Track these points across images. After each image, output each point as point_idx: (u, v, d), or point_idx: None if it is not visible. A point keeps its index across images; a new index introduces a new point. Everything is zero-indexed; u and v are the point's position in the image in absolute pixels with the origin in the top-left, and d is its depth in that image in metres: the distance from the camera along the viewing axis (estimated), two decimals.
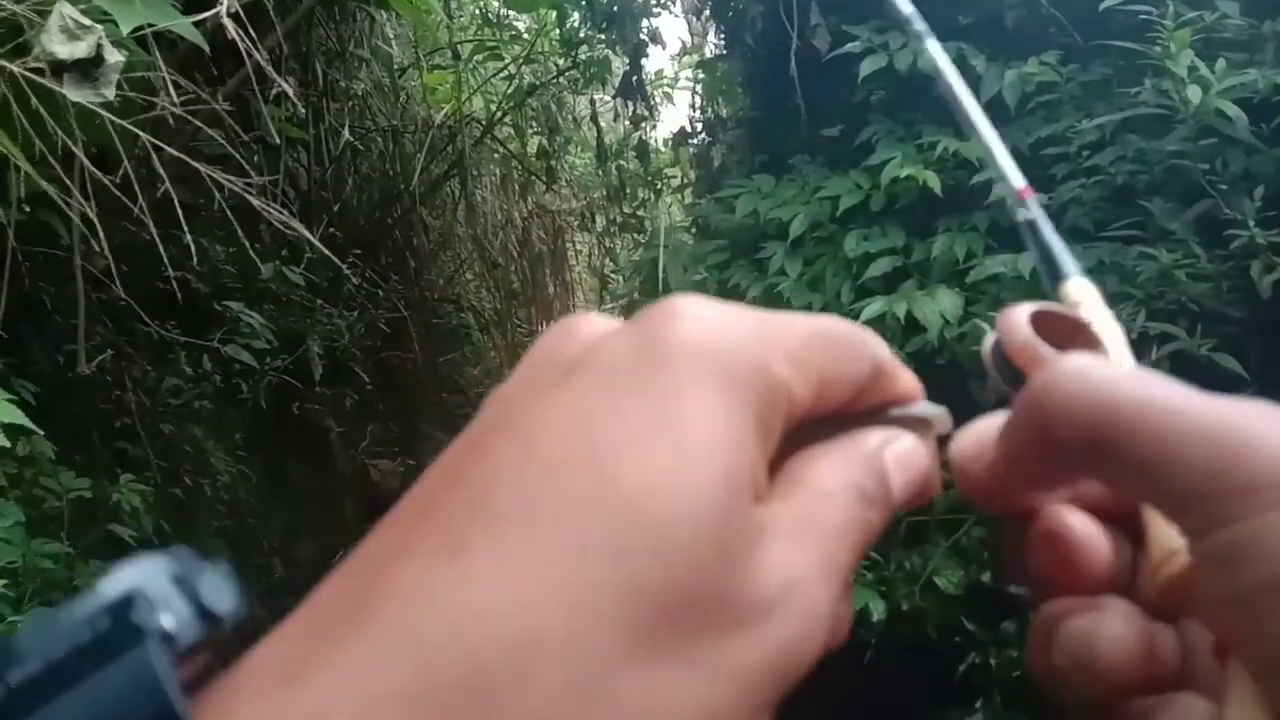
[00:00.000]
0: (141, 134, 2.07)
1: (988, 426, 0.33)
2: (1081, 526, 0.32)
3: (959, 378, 2.77)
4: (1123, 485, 0.30)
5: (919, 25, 0.78)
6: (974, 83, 3.01)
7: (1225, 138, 2.32)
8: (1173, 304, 2.29)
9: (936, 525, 2.87)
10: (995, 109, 2.98)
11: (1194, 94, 2.26)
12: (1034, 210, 0.52)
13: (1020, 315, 0.36)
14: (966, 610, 2.85)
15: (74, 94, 1.64)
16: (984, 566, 2.79)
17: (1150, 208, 2.44)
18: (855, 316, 2.97)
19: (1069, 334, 0.36)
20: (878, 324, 2.93)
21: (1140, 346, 2.30)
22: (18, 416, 1.59)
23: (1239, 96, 2.28)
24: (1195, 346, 2.18)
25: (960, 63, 3.04)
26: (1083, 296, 0.41)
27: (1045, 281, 0.46)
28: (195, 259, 4.48)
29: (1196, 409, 0.27)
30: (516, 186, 8.46)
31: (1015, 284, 2.67)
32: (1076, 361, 0.29)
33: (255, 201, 2.39)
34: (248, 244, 4.39)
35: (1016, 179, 0.57)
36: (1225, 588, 0.26)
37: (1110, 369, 0.30)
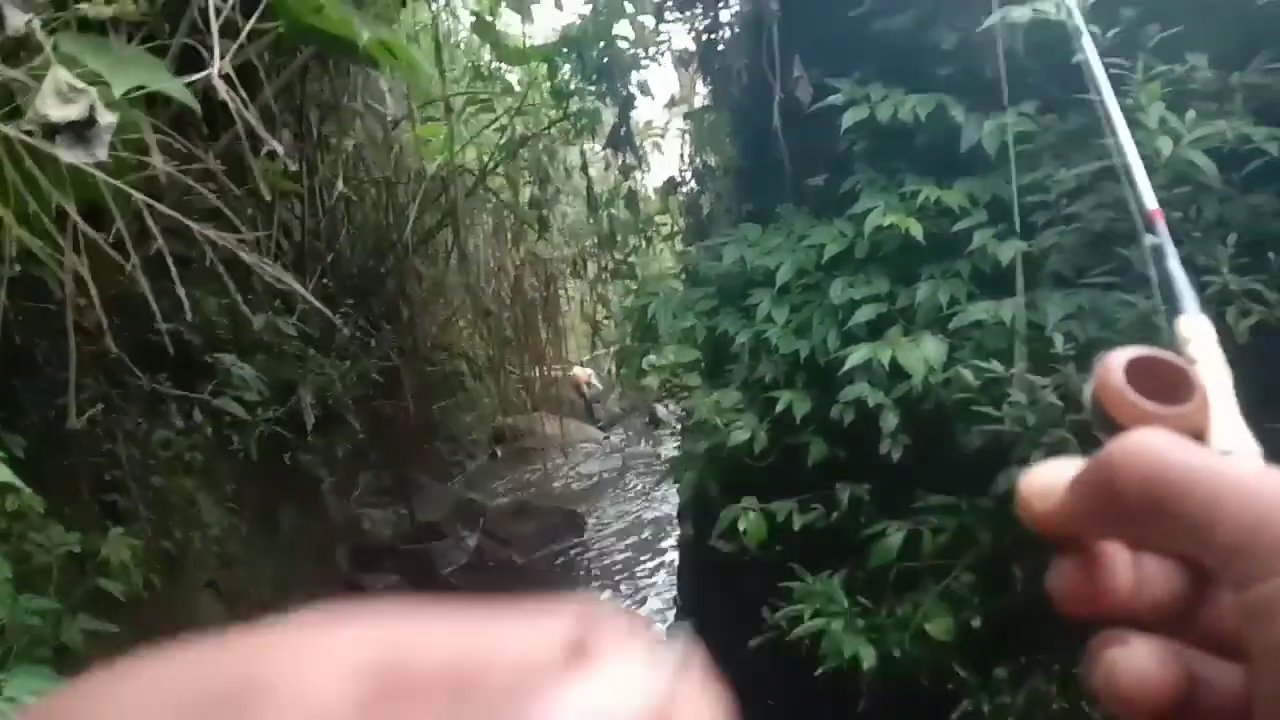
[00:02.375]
0: (134, 193, 2.10)
1: (1057, 470, 0.36)
2: (1111, 557, 0.37)
3: (944, 422, 2.79)
4: (1176, 541, 0.34)
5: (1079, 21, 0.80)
6: (953, 133, 3.07)
7: (1198, 186, 2.37)
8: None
9: (927, 571, 2.87)
10: (975, 158, 3.03)
11: (1165, 145, 2.31)
12: (1163, 235, 0.54)
13: (1116, 364, 0.38)
14: (958, 657, 2.84)
15: (67, 155, 1.67)
16: (975, 612, 2.79)
17: (1128, 255, 2.48)
18: (841, 363, 3.00)
19: (1169, 379, 0.38)
20: (863, 370, 2.96)
21: None
22: (5, 475, 1.59)
23: (1209, 146, 2.33)
24: None
25: (940, 113, 3.10)
26: (1193, 334, 0.43)
27: (1162, 312, 0.48)
28: (188, 312, 4.51)
29: (1240, 474, 0.31)
30: (509, 235, 8.55)
31: (997, 330, 2.70)
32: (1146, 434, 0.33)
33: (246, 257, 2.42)
34: (240, 296, 4.42)
35: (1149, 199, 0.59)
36: (1265, 637, 0.30)
37: (1174, 441, 0.33)
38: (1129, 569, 0.37)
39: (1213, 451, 0.33)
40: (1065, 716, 2.65)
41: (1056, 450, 2.36)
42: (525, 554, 8.15)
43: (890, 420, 2.89)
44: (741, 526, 3.25)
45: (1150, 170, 2.39)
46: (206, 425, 4.91)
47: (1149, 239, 0.54)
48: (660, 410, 12.02)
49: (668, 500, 8.87)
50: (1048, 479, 0.36)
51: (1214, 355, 0.42)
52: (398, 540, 8.23)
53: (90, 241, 2.57)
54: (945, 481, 2.93)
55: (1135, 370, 0.38)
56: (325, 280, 7.01)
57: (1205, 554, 0.32)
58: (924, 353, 2.75)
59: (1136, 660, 0.33)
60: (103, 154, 1.73)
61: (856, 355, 2.91)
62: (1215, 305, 2.25)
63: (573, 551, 8.35)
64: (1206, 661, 0.35)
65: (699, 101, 5.35)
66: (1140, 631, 0.36)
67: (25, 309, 3.64)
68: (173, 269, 2.39)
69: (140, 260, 3.12)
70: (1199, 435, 0.37)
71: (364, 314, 7.44)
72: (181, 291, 2.88)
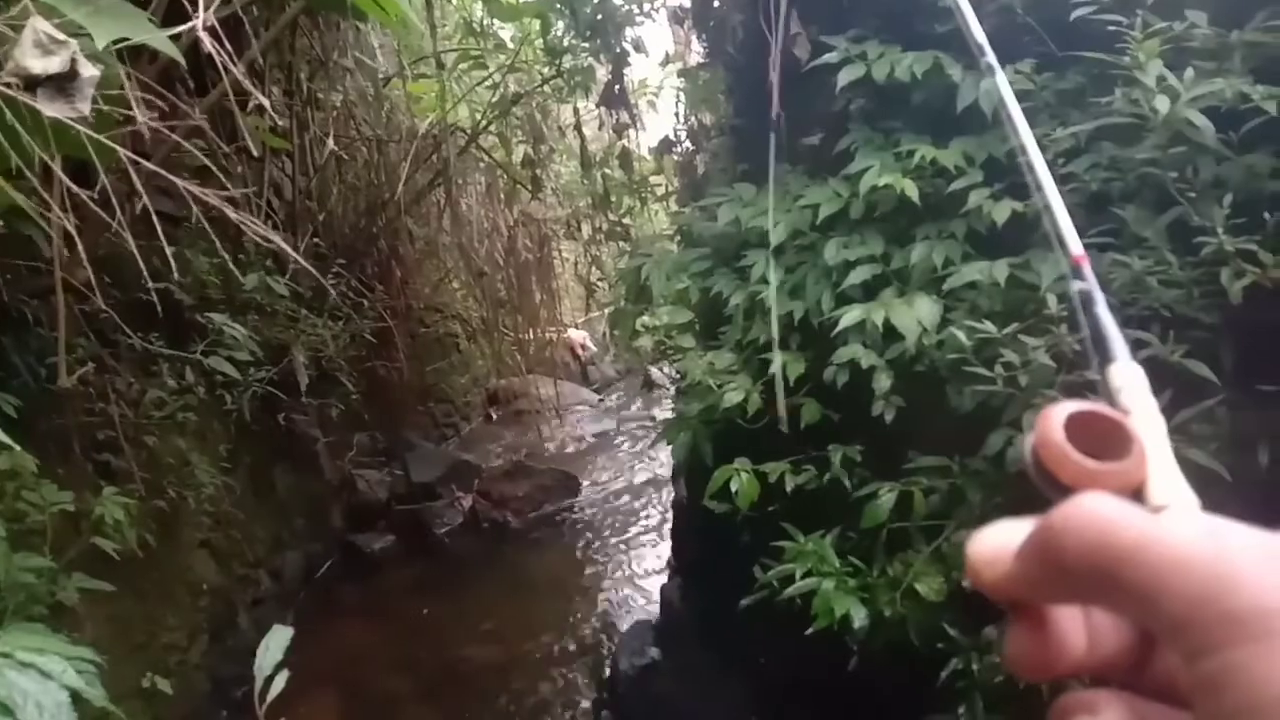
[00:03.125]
0: (119, 148, 2.07)
1: (1004, 536, 0.37)
2: (1062, 621, 0.38)
3: (937, 384, 2.79)
4: (1125, 612, 0.35)
5: (990, 58, 0.78)
6: (950, 91, 3.03)
7: (1195, 145, 2.34)
8: (1145, 310, 2.31)
9: (918, 532, 2.88)
10: (972, 117, 3.00)
11: (1162, 103, 2.29)
12: (1089, 281, 0.53)
13: (1056, 420, 0.39)
14: (948, 616, 2.85)
15: (48, 109, 1.64)
16: (964, 572, 2.80)
17: (1123, 215, 2.46)
18: (834, 324, 2.98)
19: (1107, 431, 0.39)
20: (856, 331, 2.95)
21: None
22: None
23: (1208, 105, 2.30)
24: (1168, 352, 2.20)
25: (937, 72, 3.06)
26: (1125, 382, 0.44)
27: (1093, 359, 0.47)
28: (177, 271, 4.48)
29: (1190, 544, 0.32)
30: (502, 195, 8.48)
31: (992, 291, 2.69)
32: (1088, 502, 0.34)
33: (234, 215, 2.39)
34: (232, 255, 4.39)
35: (1074, 244, 0.57)
36: (1212, 711, 0.30)
37: (1117, 508, 0.34)
38: (1080, 631, 0.38)
39: (1155, 518, 0.33)
40: None
41: None
42: (520, 515, 8.19)
43: (883, 382, 2.89)
44: (734, 487, 3.25)
45: (1148, 129, 2.37)
46: (199, 385, 4.90)
47: (1076, 285, 0.53)
48: (655, 372, 12.04)
49: (662, 462, 8.91)
50: (994, 545, 0.37)
51: (1147, 404, 0.42)
52: (392, 501, 8.27)
53: (78, 199, 2.54)
54: (937, 442, 2.93)
55: (1074, 425, 0.39)
56: (317, 239, 6.96)
57: (1152, 624, 0.33)
58: (918, 314, 2.74)
59: None
60: (85, 108, 1.70)
61: (850, 316, 2.90)
62: (1210, 265, 2.24)
63: (567, 512, 8.40)
64: (1159, 713, 0.36)
65: (694, 59, 5.29)
66: (1094, 685, 0.37)
67: (13, 267, 3.62)
68: (158, 227, 2.36)
69: (128, 218, 3.08)
70: (1138, 489, 0.38)
71: (356, 274, 7.41)
72: (170, 251, 2.85)
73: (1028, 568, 0.36)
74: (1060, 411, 0.39)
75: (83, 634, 3.47)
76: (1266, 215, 2.18)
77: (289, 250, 2.90)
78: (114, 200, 2.70)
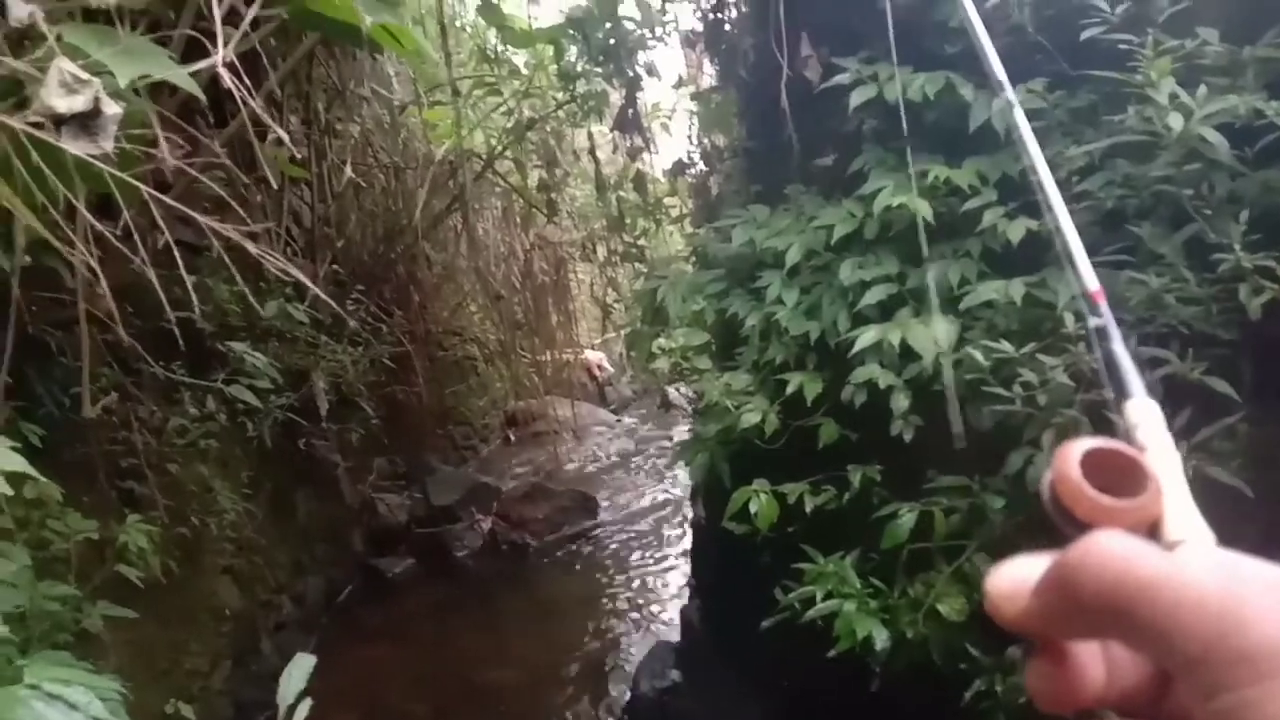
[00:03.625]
0: (141, 185, 2.11)
1: (1023, 571, 0.38)
2: (1082, 655, 0.39)
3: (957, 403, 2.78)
4: (1141, 649, 0.35)
5: (1010, 94, 0.79)
6: (962, 110, 3.04)
7: (1210, 162, 2.34)
8: (1163, 328, 2.31)
9: (939, 552, 2.87)
10: (985, 136, 3.01)
11: (1175, 121, 2.29)
12: (1105, 317, 0.53)
13: (1072, 457, 0.39)
14: (971, 636, 2.84)
15: (73, 146, 1.68)
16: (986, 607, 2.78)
17: (1139, 232, 2.46)
18: (851, 345, 2.99)
19: (1123, 468, 0.40)
20: (873, 352, 2.95)
21: None
22: (20, 464, 1.61)
23: (1221, 122, 2.30)
24: (1187, 370, 2.20)
25: (949, 91, 3.08)
26: (1141, 419, 0.44)
27: (1110, 395, 0.47)
28: (198, 300, 4.53)
29: (1202, 583, 0.33)
30: (518, 219, 8.55)
31: (1009, 310, 2.69)
32: (1103, 540, 0.35)
33: (253, 248, 2.42)
34: (252, 284, 4.44)
35: (1090, 279, 0.58)
36: None
37: (1131, 547, 0.34)
38: (1100, 664, 0.39)
39: (1169, 557, 0.34)
40: None
41: (1066, 431, 2.35)
42: (539, 536, 8.19)
43: (901, 401, 2.88)
44: (753, 509, 3.25)
45: (1161, 146, 2.37)
46: (221, 412, 4.94)
47: (1093, 321, 0.53)
48: (672, 393, 12.02)
49: (680, 482, 8.90)
50: (1013, 581, 0.38)
51: (1163, 439, 0.43)
52: (412, 524, 8.29)
53: (101, 233, 2.58)
54: (957, 462, 2.93)
55: (1090, 461, 0.39)
56: (335, 266, 7.03)
57: (1167, 662, 0.33)
58: (934, 333, 2.74)
59: None
60: (108, 145, 1.73)
61: (866, 337, 2.91)
62: (1227, 282, 2.23)
63: (586, 534, 8.39)
64: None
65: (706, 82, 5.32)
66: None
67: (38, 299, 3.67)
68: (179, 259, 2.39)
69: (150, 251, 3.13)
70: (1154, 525, 0.39)
71: (375, 300, 7.47)
72: (190, 281, 2.89)
73: (1044, 604, 0.36)
74: (1077, 448, 0.39)
75: (107, 661, 3.49)
76: None
77: (306, 280, 2.93)
78: (135, 233, 2.74)
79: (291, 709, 1.37)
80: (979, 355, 2.48)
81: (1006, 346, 2.45)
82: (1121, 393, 0.46)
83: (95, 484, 4.23)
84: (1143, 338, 2.30)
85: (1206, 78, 2.41)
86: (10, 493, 1.59)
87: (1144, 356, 2.28)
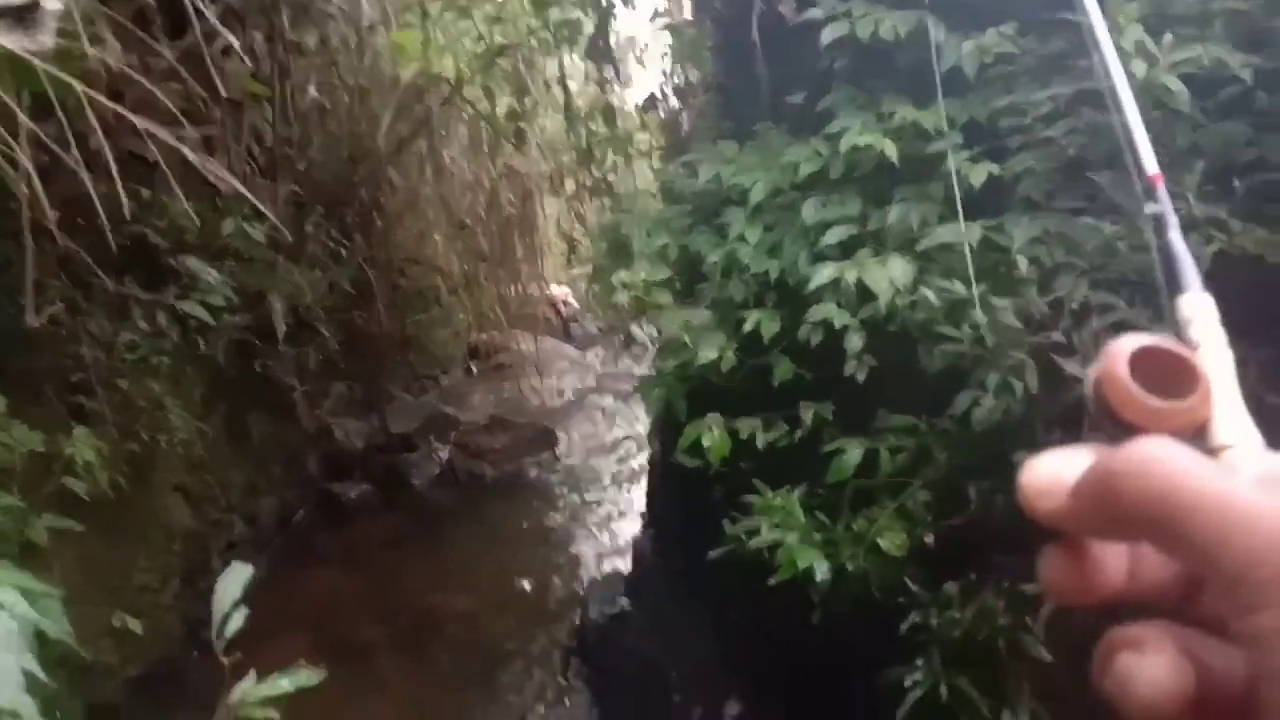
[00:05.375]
0: (76, 83, 2.04)
1: (1059, 466, 0.37)
2: (1104, 549, 0.38)
3: (907, 344, 2.81)
4: (1179, 558, 0.34)
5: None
6: (933, 53, 3.02)
7: (1172, 112, 2.35)
8: (1114, 275, 2.33)
9: (883, 488, 2.92)
10: (954, 79, 2.99)
11: (1139, 68, 2.29)
12: (1164, 203, 0.51)
13: (1121, 355, 0.37)
14: (910, 571, 2.90)
15: (6, 40, 1.61)
16: (928, 529, 2.84)
17: (1099, 180, 2.47)
18: (808, 282, 2.99)
19: (1173, 367, 0.38)
20: (830, 291, 2.96)
21: (1081, 317, 2.35)
22: None
23: (1185, 72, 2.31)
24: (1135, 317, 2.23)
25: (920, 33, 3.05)
26: (1196, 314, 0.43)
27: (1163, 289, 0.46)
28: (153, 215, 4.43)
29: (1246, 500, 0.32)
30: (485, 148, 8.39)
31: (964, 253, 2.70)
32: (1150, 448, 0.33)
33: (201, 162, 2.36)
34: (205, 202, 4.34)
35: (1149, 163, 0.55)
36: (1261, 666, 0.31)
37: (1180, 458, 0.33)
38: (1122, 560, 0.38)
39: (1219, 471, 0.33)
40: (1011, 630, 2.73)
41: (1014, 373, 2.39)
42: (497, 467, 8.22)
43: (855, 341, 2.90)
44: (705, 443, 3.28)
45: None
46: (173, 329, 4.86)
47: (1150, 207, 0.52)
48: (636, 331, 12.01)
49: (641, 419, 8.94)
50: (1049, 476, 0.37)
51: (1217, 338, 0.41)
52: (369, 451, 8.27)
53: (40, 136, 2.50)
54: (907, 402, 2.96)
55: (1139, 360, 0.37)
56: (297, 188, 6.88)
57: (1208, 575, 0.33)
58: (891, 274, 2.75)
59: (1152, 672, 0.34)
60: (48, 40, 1.66)
61: (824, 274, 2.91)
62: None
63: (544, 466, 8.43)
64: (1210, 647, 0.35)
65: (683, 16, 5.23)
66: (1137, 613, 0.37)
67: None
68: (114, 168, 2.33)
69: (99, 161, 3.04)
70: (1202, 427, 0.37)
71: (336, 224, 7.34)
72: (145, 194, 2.82)
73: (1082, 506, 0.35)
74: (1126, 345, 0.37)
75: (51, 574, 3.47)
76: (1237, 183, 2.20)
77: (256, 201, 2.87)
78: (81, 142, 2.66)
79: (226, 618, 1.36)
80: (932, 296, 2.50)
81: (959, 287, 2.47)
82: (1175, 286, 0.44)
83: (43, 397, 4.16)
84: (1094, 284, 2.33)
85: (1175, 28, 2.41)
86: None
87: (1094, 303, 2.31)
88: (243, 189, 2.65)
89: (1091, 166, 2.58)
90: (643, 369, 9.32)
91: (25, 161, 2.29)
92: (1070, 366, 2.19)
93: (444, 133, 7.87)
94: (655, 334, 5.60)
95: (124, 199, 2.95)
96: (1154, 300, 2.27)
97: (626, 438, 9.10)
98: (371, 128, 7.41)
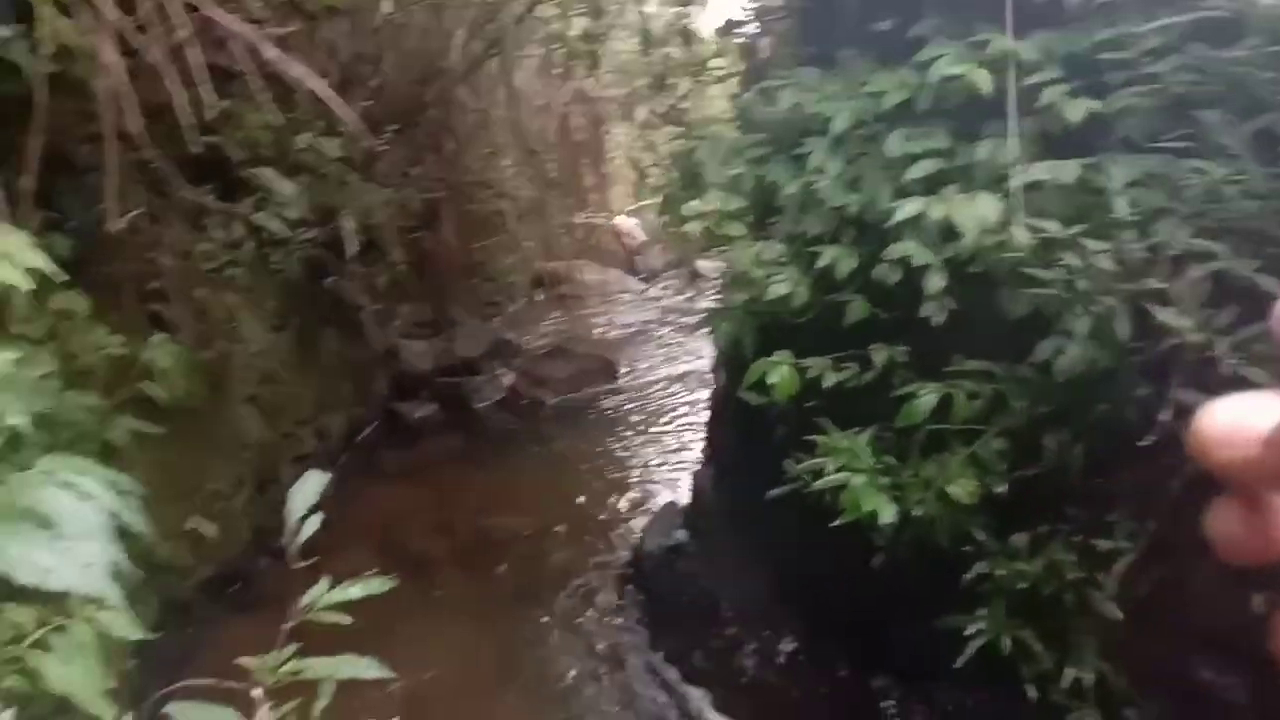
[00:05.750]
0: None
1: (1242, 413, 0.33)
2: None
3: (989, 287, 2.71)
4: None
5: None
6: None
7: None
8: (1218, 221, 2.21)
9: (955, 435, 2.85)
10: (1054, 9, 2.84)
11: None
12: None
13: None
14: (978, 520, 2.85)
15: None
16: (1000, 478, 2.78)
17: (1206, 120, 2.33)
18: (889, 217, 2.89)
19: None
20: (912, 228, 2.86)
21: (1180, 265, 2.23)
22: (42, 262, 1.60)
23: None
24: (1238, 266, 2.11)
25: None
26: None
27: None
28: (229, 127, 4.46)
29: None
30: (559, 70, 8.28)
31: (1057, 192, 2.58)
32: None
33: (289, 63, 2.34)
34: (284, 115, 4.34)
35: None
36: None
37: None
38: None
39: None
40: (1080, 585, 2.68)
41: (1104, 320, 2.29)
42: (558, 395, 8.29)
43: (936, 281, 2.81)
44: (771, 379, 3.23)
45: (1244, 29, 2.21)
46: (249, 241, 4.93)
47: None
48: (702, 265, 11.91)
49: (702, 355, 8.91)
50: (1232, 423, 0.33)
51: None
52: (435, 372, 8.40)
53: (130, 47, 2.51)
54: (984, 350, 2.88)
55: None
56: (370, 104, 6.88)
57: None
58: (979, 211, 2.64)
59: None
60: None
61: (908, 208, 2.80)
62: None
63: (604, 397, 8.47)
64: None
65: None
66: None
67: (66, 110, 3.61)
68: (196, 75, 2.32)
69: (180, 69, 3.05)
70: None
71: (407, 143, 7.34)
72: (223, 105, 2.82)
73: (1277, 458, 0.32)
74: None
75: (130, 475, 3.59)
76: None
77: (346, 109, 2.85)
78: (163, 49, 2.66)
79: (301, 522, 1.38)
80: (1024, 234, 2.39)
81: (1053, 226, 2.36)
82: None
83: (122, 303, 4.26)
84: (1195, 230, 2.21)
85: None
86: (32, 287, 1.58)
87: (1195, 250, 2.19)
88: (332, 92, 2.63)
89: (1198, 105, 2.43)
90: (706, 304, 9.26)
91: (112, 63, 2.30)
92: (1165, 315, 2.09)
93: (517, 53, 7.77)
94: (722, 268, 5.53)
95: (204, 107, 2.96)
96: (1260, 250, 2.14)
97: (688, 372, 9.07)
98: (445, 46, 7.34)
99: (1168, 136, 2.44)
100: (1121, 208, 2.30)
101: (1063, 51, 2.86)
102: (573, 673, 4.53)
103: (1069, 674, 2.70)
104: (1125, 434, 2.40)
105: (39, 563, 1.12)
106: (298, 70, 2.53)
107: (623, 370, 9.02)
